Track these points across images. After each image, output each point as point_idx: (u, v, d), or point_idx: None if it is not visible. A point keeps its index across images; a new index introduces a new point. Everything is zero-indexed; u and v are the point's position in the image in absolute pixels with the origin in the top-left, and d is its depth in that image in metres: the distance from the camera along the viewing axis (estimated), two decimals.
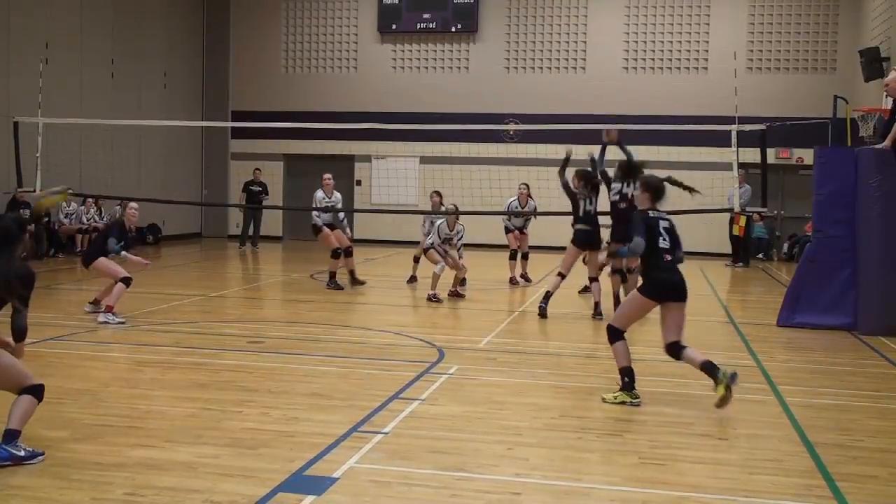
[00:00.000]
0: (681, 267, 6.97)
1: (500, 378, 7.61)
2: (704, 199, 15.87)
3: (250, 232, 21.40)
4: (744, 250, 19.20)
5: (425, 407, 6.51)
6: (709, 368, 6.66)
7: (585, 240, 11.33)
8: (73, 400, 6.40)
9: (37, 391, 5.13)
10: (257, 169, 21.95)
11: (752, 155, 14.97)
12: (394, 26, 23.50)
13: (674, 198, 7.41)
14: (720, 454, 5.57)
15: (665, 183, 7.09)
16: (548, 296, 11.23)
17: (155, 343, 8.83)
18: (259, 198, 21.25)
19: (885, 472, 5.32)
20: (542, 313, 11.05)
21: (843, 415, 6.66)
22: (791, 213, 21.73)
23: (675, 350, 6.88)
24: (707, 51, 22.25)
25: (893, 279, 10.27)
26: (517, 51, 23.19)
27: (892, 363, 8.79)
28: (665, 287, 6.82)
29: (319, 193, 13.69)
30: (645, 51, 22.59)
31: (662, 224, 6.90)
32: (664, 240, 6.84)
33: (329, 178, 13.88)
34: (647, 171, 8.84)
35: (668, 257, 6.84)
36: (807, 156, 19.25)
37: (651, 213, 6.96)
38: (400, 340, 9.36)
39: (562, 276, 11.32)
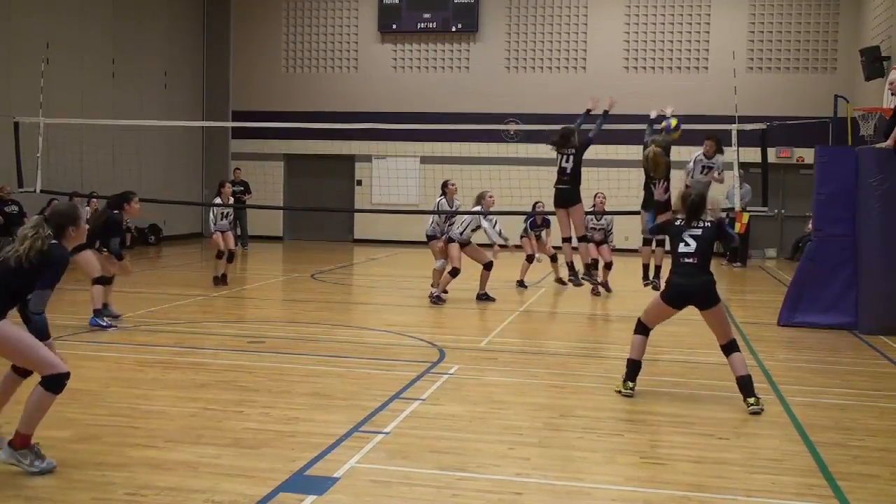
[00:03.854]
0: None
1: (502, 378, 7.60)
2: None
3: (238, 232, 21.32)
4: (741, 250, 19.17)
5: (426, 407, 6.51)
6: (743, 384, 6.69)
7: (560, 199, 10.82)
8: (73, 400, 6.39)
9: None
10: (237, 169, 21.91)
11: (752, 154, 14.96)
12: (394, 26, 23.49)
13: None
14: (721, 453, 5.56)
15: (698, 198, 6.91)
16: (571, 267, 11.11)
17: (156, 343, 8.83)
18: (241, 198, 21.07)
19: (886, 472, 5.32)
20: (577, 282, 11.26)
21: (844, 414, 6.66)
22: (791, 213, 21.72)
23: (724, 351, 6.88)
24: (707, 50, 22.23)
25: (894, 278, 10.26)
26: (517, 50, 23.18)
27: (892, 362, 8.79)
28: (677, 291, 6.80)
29: (443, 200, 12.78)
30: (645, 50, 22.58)
31: (689, 231, 6.83)
32: (686, 245, 6.78)
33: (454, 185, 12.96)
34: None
35: (690, 260, 6.75)
36: (807, 155, 19.21)
37: (677, 221, 6.94)
38: (401, 340, 9.36)
39: (567, 240, 10.93)
